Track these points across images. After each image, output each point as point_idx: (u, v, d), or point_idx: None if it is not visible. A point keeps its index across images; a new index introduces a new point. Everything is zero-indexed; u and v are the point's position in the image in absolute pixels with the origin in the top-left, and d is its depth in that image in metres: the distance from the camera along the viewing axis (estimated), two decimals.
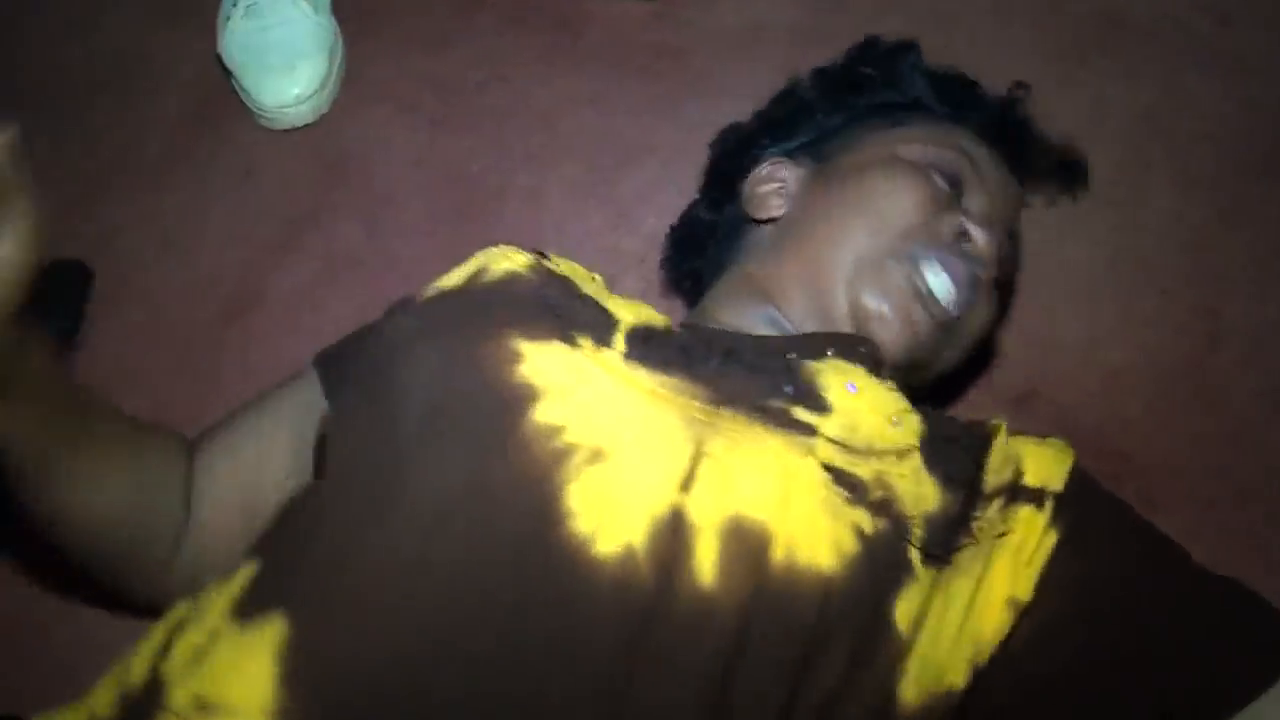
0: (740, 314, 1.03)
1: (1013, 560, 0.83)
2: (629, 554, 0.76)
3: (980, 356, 1.14)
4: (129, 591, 1.03)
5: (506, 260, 0.95)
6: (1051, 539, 0.84)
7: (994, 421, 0.94)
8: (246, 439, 1.02)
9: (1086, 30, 1.46)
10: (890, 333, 0.96)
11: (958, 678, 0.80)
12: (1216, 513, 1.19)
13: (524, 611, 0.75)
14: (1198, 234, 1.32)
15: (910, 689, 0.78)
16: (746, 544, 0.77)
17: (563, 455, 0.79)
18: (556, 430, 0.80)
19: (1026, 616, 0.82)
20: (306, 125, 1.45)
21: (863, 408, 0.87)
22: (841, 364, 0.90)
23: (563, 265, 1.02)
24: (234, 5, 1.47)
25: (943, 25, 1.44)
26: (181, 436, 1.03)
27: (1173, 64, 1.43)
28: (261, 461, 1.01)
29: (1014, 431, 0.93)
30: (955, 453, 0.89)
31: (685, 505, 0.78)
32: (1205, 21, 1.45)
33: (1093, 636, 0.81)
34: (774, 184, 1.11)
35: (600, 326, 0.89)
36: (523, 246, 0.99)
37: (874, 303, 0.97)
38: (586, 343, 0.87)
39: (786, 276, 1.03)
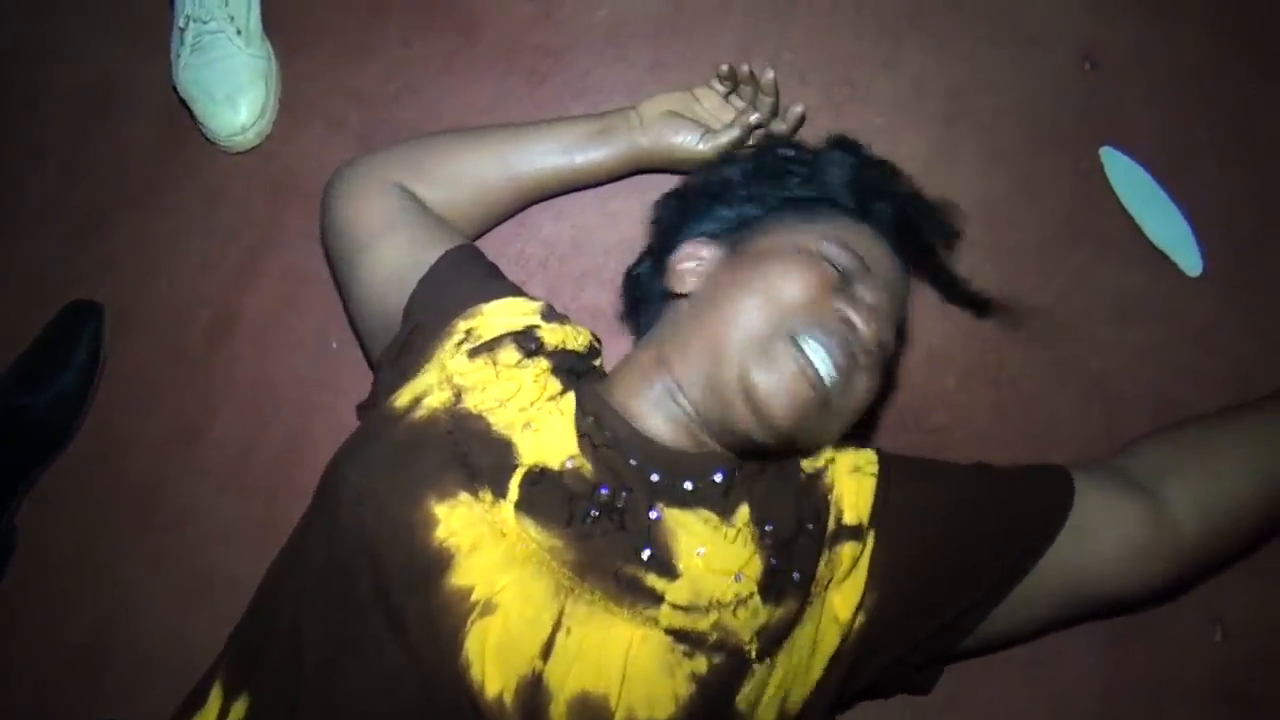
0: (636, 397, 1.19)
1: (841, 587, 1.11)
2: (501, 703, 0.98)
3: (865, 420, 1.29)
4: None
5: (450, 381, 1.17)
6: (871, 541, 1.13)
7: (828, 452, 1.19)
8: None
9: (901, 6, 1.62)
10: (777, 408, 1.10)
11: (804, 692, 1.11)
12: None
13: None
14: (998, 211, 1.53)
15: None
16: (590, 713, 0.98)
17: (467, 613, 1.00)
18: (467, 593, 1.01)
19: (871, 594, 1.12)
20: (254, 148, 1.69)
21: (707, 573, 1.05)
22: (695, 516, 1.09)
23: (553, 333, 1.26)
24: (182, 43, 1.69)
25: (780, 15, 1.62)
26: None
27: (975, 37, 1.59)
28: None
29: (837, 447, 1.20)
30: (803, 555, 1.10)
31: (544, 672, 0.99)
32: None
33: (921, 573, 1.14)
34: (692, 262, 1.26)
35: (500, 473, 1.08)
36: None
37: (761, 379, 1.10)
38: (487, 496, 1.06)
39: (690, 349, 1.17)
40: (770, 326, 1.13)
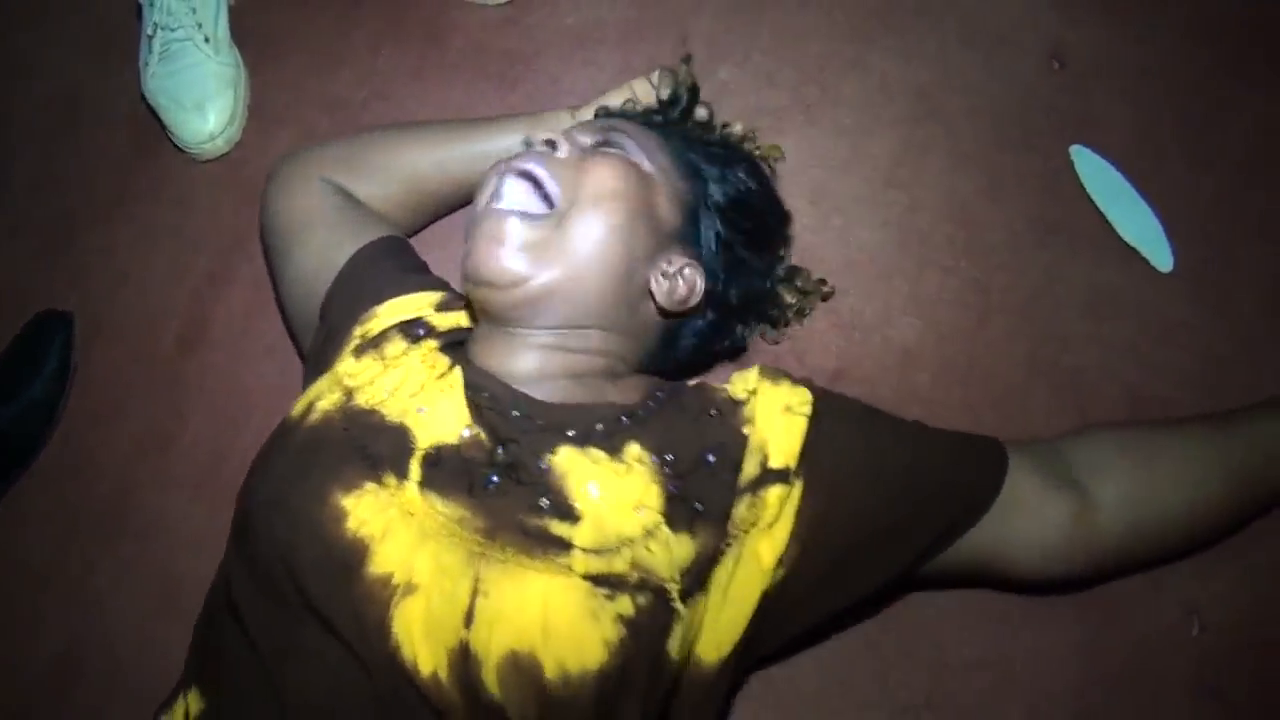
0: (491, 354, 1.19)
1: (767, 534, 1.09)
2: (437, 680, 0.98)
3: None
4: None
5: (334, 390, 1.17)
6: (799, 489, 1.11)
7: (752, 384, 1.17)
8: None
9: (870, 7, 1.62)
10: (478, 257, 1.16)
11: (728, 643, 1.09)
12: None
13: None
14: (968, 209, 1.52)
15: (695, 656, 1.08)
16: (522, 672, 0.97)
17: (390, 597, 1.00)
18: (387, 578, 1.01)
19: (793, 546, 1.10)
20: (224, 155, 1.70)
21: (606, 508, 1.04)
22: (584, 456, 1.08)
23: (445, 318, 1.27)
24: (150, 51, 1.69)
25: (750, 17, 1.63)
26: None
27: (944, 37, 1.60)
28: None
29: (766, 374, 1.18)
30: (706, 487, 1.08)
31: (469, 640, 0.97)
32: None
33: (844, 535, 1.13)
34: None
35: (400, 457, 1.08)
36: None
37: (471, 231, 1.18)
38: (391, 481, 1.05)
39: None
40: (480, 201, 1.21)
